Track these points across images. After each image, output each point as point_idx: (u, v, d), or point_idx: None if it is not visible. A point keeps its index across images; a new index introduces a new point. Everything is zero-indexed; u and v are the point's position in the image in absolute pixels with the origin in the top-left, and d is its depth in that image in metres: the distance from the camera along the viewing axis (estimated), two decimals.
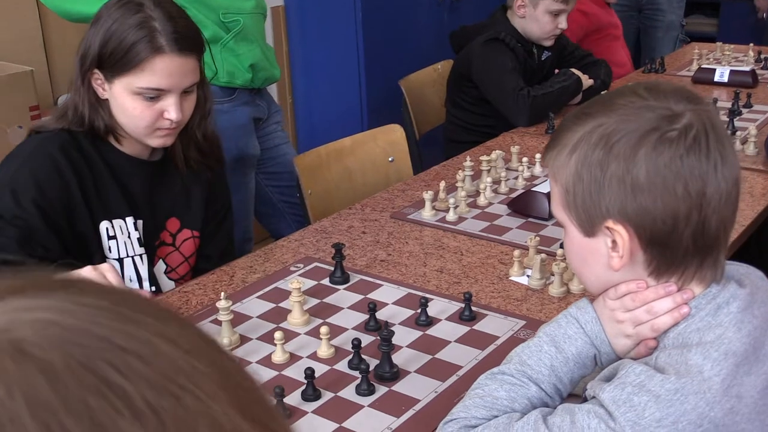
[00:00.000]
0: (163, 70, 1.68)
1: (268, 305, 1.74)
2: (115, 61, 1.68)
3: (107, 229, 1.78)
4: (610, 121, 1.06)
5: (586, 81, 3.10)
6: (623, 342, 1.14)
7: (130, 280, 1.83)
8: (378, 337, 1.49)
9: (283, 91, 4.26)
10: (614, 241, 1.07)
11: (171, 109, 1.72)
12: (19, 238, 1.64)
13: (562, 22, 3.10)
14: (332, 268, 1.86)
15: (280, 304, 1.73)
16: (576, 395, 1.20)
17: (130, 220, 1.81)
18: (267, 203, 2.85)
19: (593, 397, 1.05)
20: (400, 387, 1.44)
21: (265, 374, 1.49)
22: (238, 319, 1.68)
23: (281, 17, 4.17)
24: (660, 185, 1.03)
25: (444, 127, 3.39)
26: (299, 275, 1.87)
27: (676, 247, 1.05)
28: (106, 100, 1.75)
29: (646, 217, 1.04)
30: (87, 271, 1.47)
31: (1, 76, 2.65)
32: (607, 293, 1.15)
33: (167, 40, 1.68)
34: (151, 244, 1.87)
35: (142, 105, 1.71)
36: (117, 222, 1.79)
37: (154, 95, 1.70)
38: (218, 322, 1.60)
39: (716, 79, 3.38)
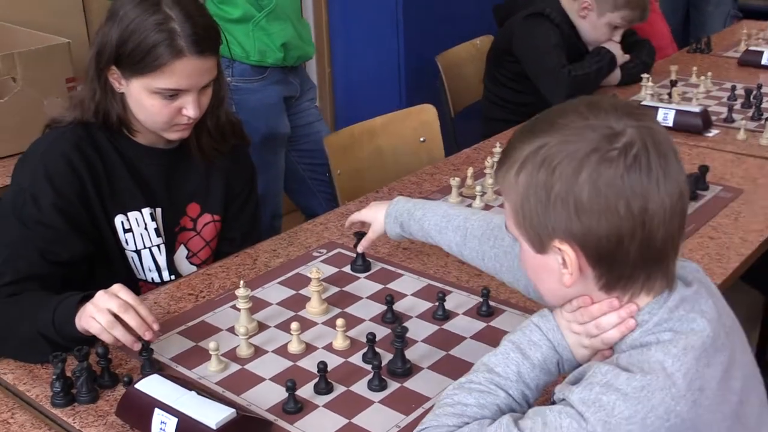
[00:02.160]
0: (183, 72, 1.69)
1: (289, 292, 1.76)
2: (134, 62, 1.69)
3: (122, 222, 1.81)
4: (552, 141, 1.08)
5: (622, 57, 3.06)
6: (582, 351, 1.18)
7: (149, 270, 1.86)
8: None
9: (322, 65, 4.25)
10: (564, 260, 1.10)
11: (189, 107, 1.73)
12: (44, 245, 1.67)
13: (617, 36, 3.07)
14: (354, 255, 1.87)
15: (300, 291, 1.76)
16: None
17: (146, 211, 1.83)
18: (298, 180, 2.87)
19: (562, 400, 1.07)
20: (411, 383, 1.46)
21: (280, 364, 1.52)
22: (258, 305, 1.70)
23: None
24: (602, 205, 1.05)
25: (481, 103, 3.37)
26: (321, 261, 1.89)
27: (624, 263, 1.08)
28: (122, 93, 1.76)
29: (591, 237, 1.06)
30: (100, 297, 1.48)
31: (39, 47, 2.68)
32: (564, 306, 1.19)
33: (187, 42, 1.67)
34: (172, 230, 1.90)
35: (160, 103, 1.72)
36: (132, 214, 1.82)
37: (173, 94, 1.72)
38: (237, 309, 1.62)
39: (763, 62, 3.30)
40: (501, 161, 1.16)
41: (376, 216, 1.77)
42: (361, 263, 1.84)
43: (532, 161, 1.08)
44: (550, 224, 1.08)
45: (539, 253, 1.14)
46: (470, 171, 2.24)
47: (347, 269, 1.85)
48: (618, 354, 1.12)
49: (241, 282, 1.61)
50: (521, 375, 1.18)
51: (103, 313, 1.46)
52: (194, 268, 1.93)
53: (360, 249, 1.84)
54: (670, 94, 2.92)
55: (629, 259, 1.07)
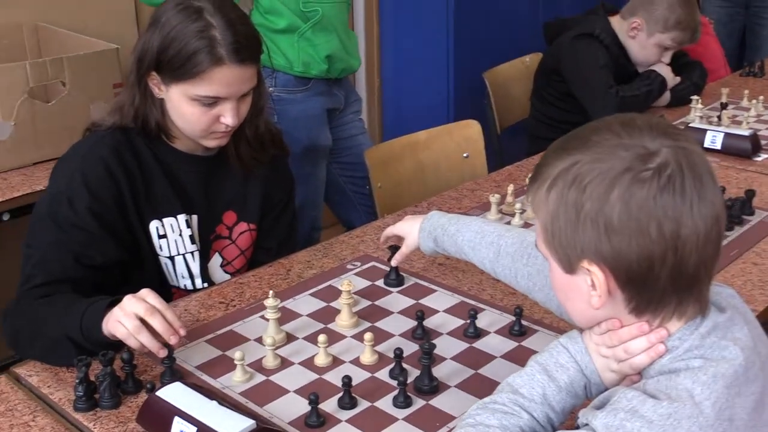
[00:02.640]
0: (222, 80, 1.69)
1: (320, 304, 1.74)
2: (174, 68, 1.69)
3: (157, 228, 1.80)
4: (584, 159, 1.04)
5: (672, 80, 3.00)
6: (610, 375, 1.14)
7: (183, 277, 1.85)
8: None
9: (371, 78, 4.25)
10: (593, 281, 1.06)
11: (228, 115, 1.73)
12: (78, 248, 1.67)
13: (667, 57, 3.02)
14: (388, 269, 1.85)
15: (331, 304, 1.73)
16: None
17: (182, 217, 1.83)
18: (339, 192, 2.85)
19: (586, 425, 1.03)
20: (437, 401, 1.42)
21: (306, 377, 1.49)
22: (288, 316, 1.68)
23: (374, 1, 4.15)
24: (633, 227, 1.01)
25: (527, 121, 3.34)
26: (355, 273, 1.86)
27: (654, 288, 1.04)
28: (161, 99, 1.76)
29: (621, 259, 1.03)
30: (128, 301, 1.48)
31: (88, 53, 2.71)
32: (593, 329, 1.15)
33: (227, 51, 1.67)
34: (207, 237, 1.89)
35: (200, 110, 1.72)
36: (167, 220, 1.81)
37: (212, 101, 1.71)
38: (266, 320, 1.60)
39: None
40: (533, 177, 1.13)
41: (411, 230, 1.75)
42: (395, 277, 1.82)
43: (563, 179, 1.05)
44: (579, 244, 1.05)
45: (568, 273, 1.10)
46: (510, 188, 2.20)
47: (380, 283, 1.82)
48: (646, 380, 1.08)
49: (270, 292, 1.59)
50: (546, 397, 1.14)
51: (129, 318, 1.45)
52: (228, 277, 1.92)
53: (394, 263, 1.81)
54: (719, 117, 2.86)
55: (660, 284, 1.03)
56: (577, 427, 1.07)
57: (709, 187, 1.02)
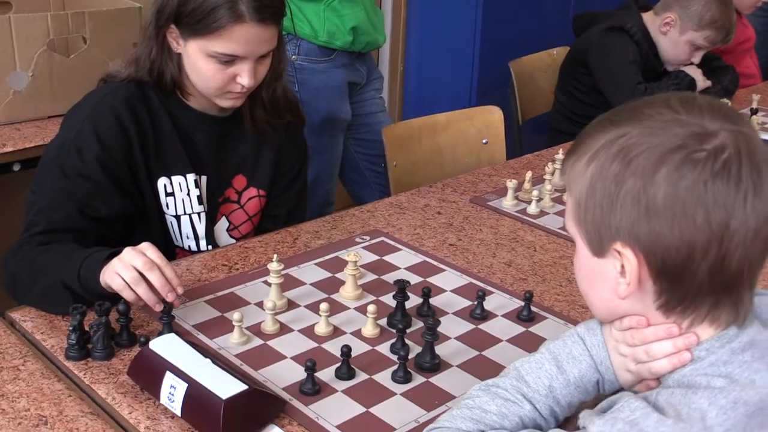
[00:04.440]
0: (241, 38, 1.64)
1: (325, 274, 1.70)
2: (193, 22, 1.64)
3: (165, 185, 1.76)
4: (633, 132, 0.96)
5: (702, 83, 2.93)
6: (626, 375, 1.07)
7: (187, 237, 1.81)
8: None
9: (395, 58, 4.20)
10: (623, 266, 0.98)
11: (244, 75, 1.68)
12: (83, 198, 1.63)
13: (697, 58, 2.95)
14: (398, 245, 1.80)
15: (336, 275, 1.69)
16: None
17: (191, 176, 1.78)
18: (354, 169, 2.81)
19: (584, 428, 0.96)
20: (438, 380, 1.38)
21: (304, 344, 1.45)
22: (291, 283, 1.64)
23: None
24: (678, 211, 0.92)
25: (549, 114, 3.28)
26: (363, 247, 1.82)
27: (690, 282, 0.95)
28: (179, 54, 1.72)
29: (659, 244, 0.94)
30: (127, 253, 1.44)
31: (110, 9, 2.67)
32: (614, 323, 1.07)
33: (248, 8, 1.62)
34: (215, 200, 1.85)
35: (216, 68, 1.67)
36: (176, 178, 1.77)
37: (229, 59, 1.67)
38: (268, 284, 1.56)
39: None
40: (571, 150, 1.04)
41: None
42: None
43: (606, 151, 0.97)
44: (615, 223, 0.96)
45: (596, 255, 1.01)
46: (529, 174, 2.15)
47: (389, 257, 1.78)
48: (661, 389, 1.00)
49: (275, 256, 1.55)
50: (552, 390, 1.07)
51: (127, 269, 1.41)
52: (233, 242, 1.88)
53: None
54: None
55: (697, 279, 0.94)
56: (577, 428, 1.02)
57: (766, 181, 0.93)
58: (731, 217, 0.92)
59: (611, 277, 1.00)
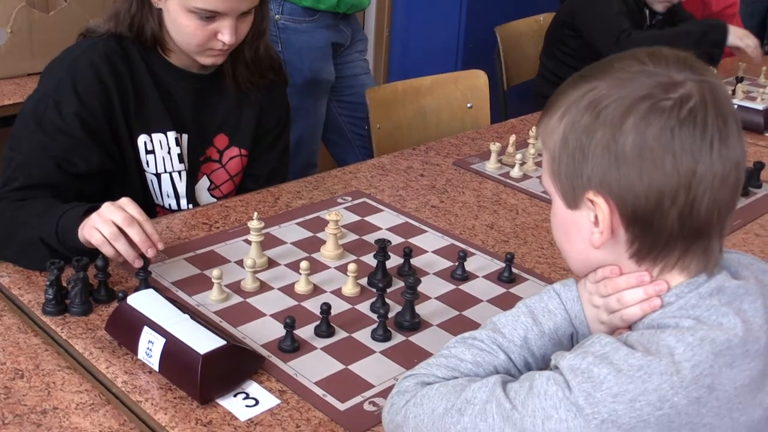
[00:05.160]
0: None
1: (305, 233, 1.69)
2: None
3: (145, 142, 1.74)
4: (602, 85, 0.98)
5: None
6: (599, 327, 1.08)
7: (168, 196, 1.80)
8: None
9: (381, 20, 4.17)
10: (596, 216, 1.00)
11: (225, 32, 1.66)
12: (61, 154, 1.61)
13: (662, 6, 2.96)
14: (380, 206, 1.80)
15: (317, 234, 1.69)
16: None
17: (171, 134, 1.77)
18: (338, 132, 2.79)
19: (556, 367, 0.98)
20: (418, 338, 1.38)
21: (284, 302, 1.45)
22: (272, 242, 1.64)
23: None
24: (646, 158, 0.94)
25: (534, 80, 3.27)
26: (345, 207, 1.81)
27: (660, 229, 0.97)
28: (159, 9, 1.70)
29: (629, 191, 0.96)
30: (106, 208, 1.43)
31: None
32: (588, 276, 1.09)
33: None
34: (196, 159, 1.83)
35: (196, 24, 1.65)
36: (156, 136, 1.75)
37: (210, 15, 1.64)
38: (249, 242, 1.56)
39: None
40: (545, 108, 1.06)
41: None
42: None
43: (577, 104, 0.99)
44: (587, 173, 0.98)
45: (571, 208, 1.04)
46: (512, 138, 2.15)
47: (370, 218, 1.78)
48: (631, 331, 1.02)
49: (255, 214, 1.55)
50: (527, 341, 1.09)
51: (106, 224, 1.40)
52: (214, 201, 1.87)
53: None
54: (734, 91, 2.80)
55: (667, 226, 0.97)
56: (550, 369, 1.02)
57: (732, 129, 0.96)
58: (698, 163, 0.94)
59: (585, 228, 1.02)
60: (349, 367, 1.30)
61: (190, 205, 1.82)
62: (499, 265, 1.62)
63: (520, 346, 1.09)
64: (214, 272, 1.43)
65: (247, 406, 1.20)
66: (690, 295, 0.99)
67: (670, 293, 1.01)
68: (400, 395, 1.07)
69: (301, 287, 1.49)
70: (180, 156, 1.79)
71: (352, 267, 1.48)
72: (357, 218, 1.78)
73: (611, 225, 0.99)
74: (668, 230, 0.97)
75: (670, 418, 0.90)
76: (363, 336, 1.38)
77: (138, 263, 1.42)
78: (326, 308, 1.36)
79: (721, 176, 0.95)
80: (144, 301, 1.30)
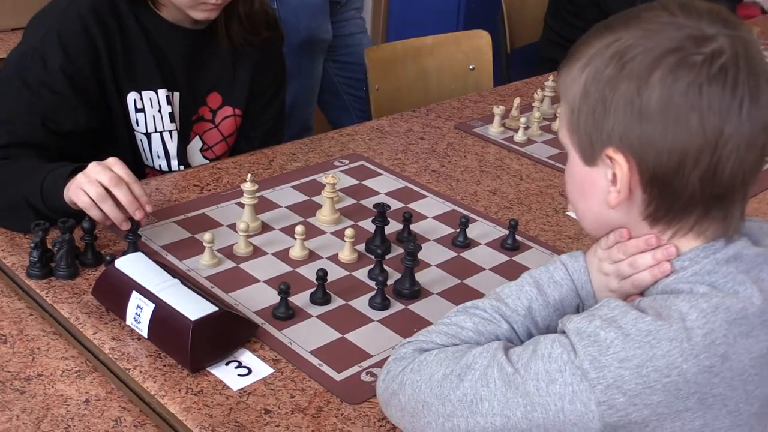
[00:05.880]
0: None
1: (301, 197, 1.67)
2: None
3: (135, 100, 1.71)
4: (628, 35, 0.95)
5: None
6: (607, 296, 1.05)
7: (158, 157, 1.77)
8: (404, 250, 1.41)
9: None
10: (614, 174, 0.97)
11: None
12: (46, 111, 1.58)
13: None
14: (379, 170, 1.78)
15: (313, 198, 1.66)
16: None
17: (162, 92, 1.73)
18: (333, 93, 2.76)
19: (562, 330, 0.96)
20: (417, 307, 1.37)
21: (278, 268, 1.43)
22: (266, 205, 1.62)
23: None
24: (671, 115, 0.91)
25: (539, 43, 3.24)
26: (342, 171, 1.79)
27: (680, 190, 0.94)
28: None
29: (650, 149, 0.94)
30: (93, 168, 1.40)
31: None
32: (599, 242, 1.07)
33: None
34: (188, 118, 1.80)
35: None
36: (147, 94, 1.72)
37: None
38: (242, 206, 1.54)
39: None
40: (566, 59, 1.03)
41: None
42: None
43: (601, 55, 0.96)
44: (608, 128, 0.96)
45: (588, 164, 1.01)
46: (517, 101, 2.12)
47: (368, 182, 1.75)
48: (644, 297, 1.00)
49: (249, 176, 1.52)
50: (531, 311, 1.07)
51: (93, 185, 1.38)
52: (206, 162, 1.84)
53: None
54: None
55: (688, 187, 0.94)
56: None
57: (764, 89, 0.92)
58: (725, 124, 0.91)
59: (602, 187, 1.00)
60: (346, 336, 1.29)
61: (181, 167, 1.79)
62: (502, 232, 1.60)
63: (524, 316, 1.07)
64: (206, 236, 1.41)
65: (239, 375, 1.19)
66: (706, 260, 0.97)
67: (684, 257, 0.98)
68: (397, 362, 1.05)
69: (296, 253, 1.47)
70: (171, 115, 1.76)
71: (349, 232, 1.45)
72: (355, 182, 1.75)
73: (629, 184, 0.96)
74: (688, 192, 0.94)
75: (677, 386, 0.89)
76: (360, 304, 1.36)
77: (125, 226, 1.39)
78: (322, 275, 1.34)
79: (749, 138, 0.92)
80: (132, 265, 1.28)
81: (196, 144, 1.84)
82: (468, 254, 1.53)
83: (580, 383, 0.89)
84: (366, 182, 1.76)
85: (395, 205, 1.66)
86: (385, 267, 1.42)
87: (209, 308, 1.21)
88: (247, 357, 1.22)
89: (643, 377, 0.88)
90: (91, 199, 1.38)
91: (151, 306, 1.21)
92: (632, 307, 0.94)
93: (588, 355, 0.90)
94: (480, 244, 1.57)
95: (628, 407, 0.89)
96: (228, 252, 1.46)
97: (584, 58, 0.98)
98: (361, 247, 1.51)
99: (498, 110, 2.05)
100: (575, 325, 0.93)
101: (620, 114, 0.94)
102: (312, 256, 1.48)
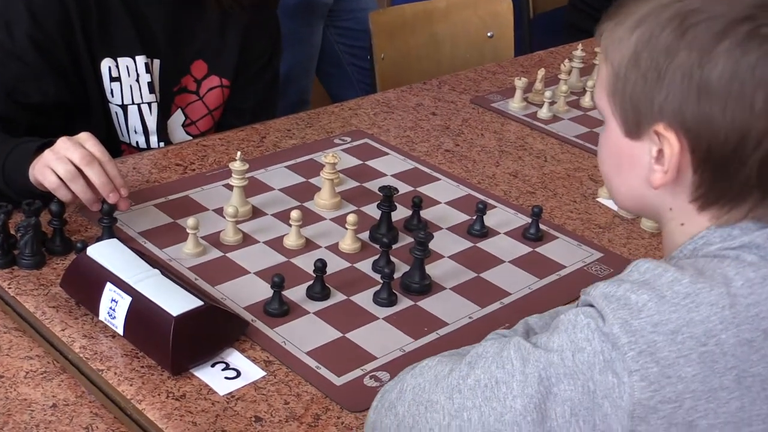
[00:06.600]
0: None
1: (297, 178, 1.67)
2: None
3: (110, 68, 1.71)
4: None
5: None
6: None
7: (135, 132, 1.77)
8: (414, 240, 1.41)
9: None
10: (660, 151, 0.96)
11: None
12: (12, 82, 1.59)
13: None
14: (385, 149, 1.77)
15: (311, 180, 1.66)
16: None
17: (140, 59, 1.73)
18: (335, 64, 2.77)
19: (587, 304, 0.95)
20: (428, 303, 1.37)
21: (271, 258, 1.44)
22: (257, 187, 1.62)
23: None
24: (735, 92, 0.90)
25: (565, 9, 3.24)
26: (343, 149, 1.79)
27: (736, 174, 0.94)
28: None
29: (707, 129, 0.93)
30: (62, 143, 1.40)
31: None
32: None
33: None
34: (169, 89, 1.80)
35: None
36: (123, 61, 1.72)
37: None
38: (230, 188, 1.53)
39: None
40: (611, 14, 1.02)
41: None
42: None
43: (658, 15, 0.95)
44: (659, 100, 0.95)
45: (630, 137, 1.00)
46: (541, 73, 2.11)
47: (373, 162, 1.75)
48: (678, 260, 0.99)
49: (238, 154, 1.52)
50: None
51: (62, 163, 1.38)
52: (189, 138, 1.84)
53: None
54: None
55: (744, 171, 0.93)
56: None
57: None
58: None
59: (644, 163, 0.99)
60: (347, 335, 1.29)
61: (162, 143, 1.80)
62: (525, 220, 1.60)
63: None
64: (189, 221, 1.41)
65: (226, 378, 1.19)
66: (757, 233, 0.96)
67: (734, 227, 0.97)
68: (392, 383, 1.04)
69: (291, 241, 1.47)
70: (150, 85, 1.76)
71: (351, 219, 1.45)
72: (357, 162, 1.75)
73: (678, 165, 0.96)
74: (744, 177, 0.94)
75: (714, 358, 0.89)
76: (364, 299, 1.36)
77: (96, 207, 1.40)
78: (321, 266, 1.34)
79: None
80: (107, 253, 1.28)
81: (177, 118, 1.85)
82: (485, 244, 1.53)
83: (612, 351, 0.88)
84: (370, 162, 1.76)
85: (403, 188, 1.66)
86: (392, 258, 1.43)
87: (193, 302, 1.21)
88: (235, 358, 1.22)
89: (677, 344, 0.88)
90: (60, 178, 1.37)
91: (128, 299, 1.21)
92: (668, 266, 0.93)
93: (618, 319, 0.89)
94: (499, 233, 1.57)
95: (661, 379, 0.88)
96: (214, 239, 1.46)
97: (636, 15, 0.97)
98: (365, 235, 1.51)
99: (520, 83, 2.05)
100: (602, 290, 0.93)
101: (676, 87, 0.93)
102: (309, 244, 1.48)
